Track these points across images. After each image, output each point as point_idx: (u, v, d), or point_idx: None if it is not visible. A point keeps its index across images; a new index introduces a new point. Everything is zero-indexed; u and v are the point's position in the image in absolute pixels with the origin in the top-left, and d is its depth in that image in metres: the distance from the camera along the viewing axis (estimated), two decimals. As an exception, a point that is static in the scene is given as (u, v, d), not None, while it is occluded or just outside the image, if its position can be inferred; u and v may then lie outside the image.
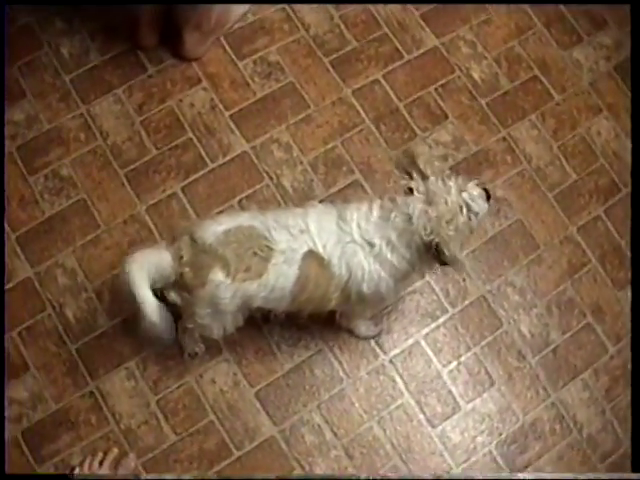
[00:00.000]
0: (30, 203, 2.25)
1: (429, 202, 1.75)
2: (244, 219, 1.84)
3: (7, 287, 2.18)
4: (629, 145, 2.47)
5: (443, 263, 1.78)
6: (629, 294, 2.33)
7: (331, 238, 1.83)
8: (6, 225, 2.23)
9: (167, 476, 2.11)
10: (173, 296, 1.84)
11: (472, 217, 1.80)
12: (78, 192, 2.26)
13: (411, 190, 1.78)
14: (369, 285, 1.85)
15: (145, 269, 1.74)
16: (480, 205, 1.81)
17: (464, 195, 1.78)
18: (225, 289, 1.79)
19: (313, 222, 1.85)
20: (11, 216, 2.23)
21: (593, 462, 2.19)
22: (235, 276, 1.78)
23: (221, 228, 1.80)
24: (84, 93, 2.36)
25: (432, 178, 1.78)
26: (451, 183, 1.78)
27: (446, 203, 1.76)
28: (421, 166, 1.80)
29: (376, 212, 1.82)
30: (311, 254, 1.83)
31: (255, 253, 1.79)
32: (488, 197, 1.84)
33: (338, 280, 1.85)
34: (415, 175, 1.80)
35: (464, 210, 1.77)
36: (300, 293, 1.85)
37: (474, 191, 1.80)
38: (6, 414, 2.06)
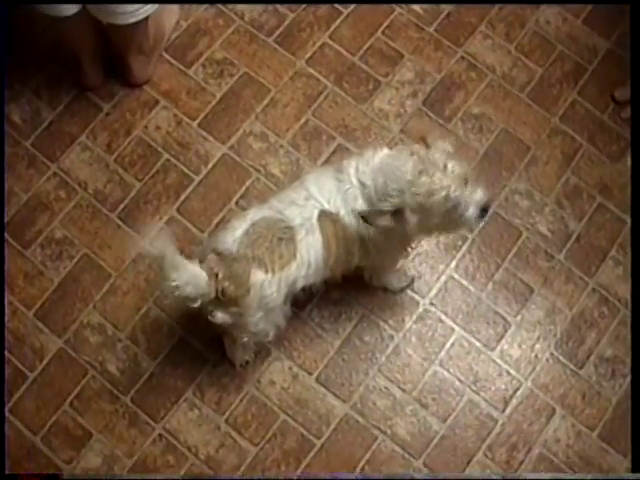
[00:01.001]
0: (35, 276, 1.93)
1: (423, 171, 1.46)
2: (253, 214, 1.57)
3: (42, 365, 1.86)
4: (579, 23, 2.18)
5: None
6: (628, 162, 2.06)
7: (332, 192, 1.58)
8: (20, 305, 1.89)
9: (159, 476, 1.83)
10: (220, 316, 1.56)
11: (451, 197, 1.48)
12: (78, 249, 1.95)
13: (413, 153, 1.49)
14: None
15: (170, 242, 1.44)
16: (470, 209, 1.52)
17: (450, 167, 1.48)
18: (269, 285, 1.54)
19: (312, 185, 1.60)
20: (21, 295, 1.91)
21: (647, 332, 1.97)
22: (274, 268, 1.53)
23: (239, 232, 1.54)
24: (49, 152, 2.03)
25: (435, 151, 1.49)
26: (450, 166, 1.48)
27: (431, 177, 1.46)
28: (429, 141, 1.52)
29: (379, 158, 1.55)
30: (323, 214, 1.58)
31: (280, 238, 1.54)
32: (484, 210, 1.54)
33: (351, 229, 1.58)
34: (422, 144, 1.51)
35: (446, 193, 1.47)
36: (329, 256, 1.60)
37: (474, 194, 1.52)
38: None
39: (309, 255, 1.59)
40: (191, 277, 1.48)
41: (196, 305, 1.54)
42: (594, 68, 2.16)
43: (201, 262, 1.54)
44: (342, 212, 1.58)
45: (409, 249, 1.84)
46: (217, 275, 1.52)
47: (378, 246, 1.64)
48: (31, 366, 1.88)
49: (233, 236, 1.54)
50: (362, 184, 1.56)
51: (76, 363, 1.88)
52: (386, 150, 1.58)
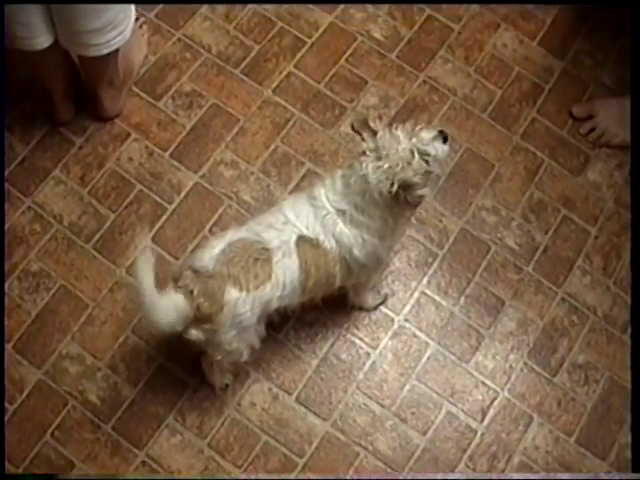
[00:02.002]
0: (13, 309, 2.00)
1: (379, 157, 1.59)
2: (231, 235, 1.67)
3: (23, 396, 1.92)
4: (535, 45, 2.35)
5: (414, 205, 1.64)
6: (589, 176, 2.21)
7: (310, 217, 1.69)
8: (-2, 338, 2.01)
9: (159, 476, 1.89)
10: (194, 333, 1.65)
11: (430, 160, 1.63)
12: (55, 281, 2.03)
13: (364, 153, 1.62)
14: (359, 249, 1.69)
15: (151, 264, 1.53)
16: (436, 147, 1.65)
17: (414, 140, 1.61)
18: (243, 303, 1.62)
19: (289, 210, 1.71)
20: None
21: (617, 336, 2.06)
22: (248, 287, 1.61)
23: (216, 250, 1.63)
24: (23, 187, 2.12)
25: (380, 133, 1.62)
26: (399, 132, 1.62)
27: (397, 152, 1.59)
28: (371, 124, 1.65)
29: (339, 181, 1.68)
30: (302, 239, 1.68)
31: (256, 259, 1.63)
32: (445, 139, 1.67)
33: (332, 254, 1.70)
34: (366, 135, 1.64)
35: (416, 154, 1.60)
36: (307, 279, 1.70)
37: (426, 134, 1.64)
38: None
39: (285, 277, 1.68)
40: (172, 308, 1.58)
41: (181, 329, 1.63)
42: (551, 87, 2.31)
43: (176, 280, 1.64)
44: (322, 237, 1.69)
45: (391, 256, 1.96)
46: (192, 292, 1.61)
47: (361, 262, 1.74)
48: (11, 398, 1.94)
49: (210, 254, 1.64)
50: (339, 211, 1.68)
51: (56, 394, 1.95)
52: (339, 171, 1.70)
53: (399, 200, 1.62)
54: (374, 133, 1.65)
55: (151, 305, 1.56)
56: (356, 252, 1.71)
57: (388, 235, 1.73)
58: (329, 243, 1.69)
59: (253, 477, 1.95)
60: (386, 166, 1.59)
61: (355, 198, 1.65)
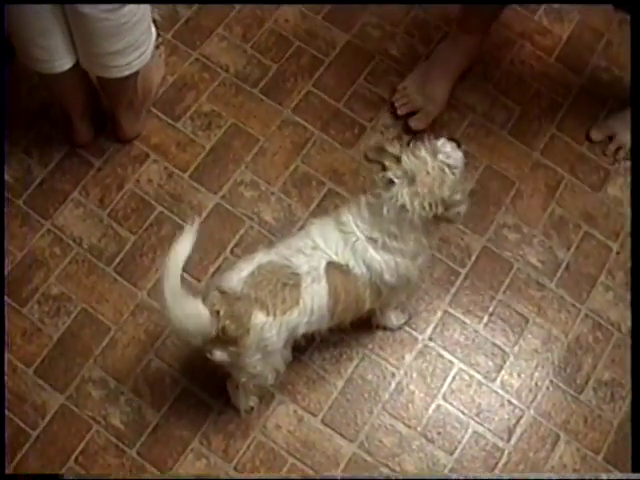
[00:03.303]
0: (34, 333, 2.07)
1: (412, 182, 1.66)
2: (260, 257, 1.74)
3: (45, 422, 1.99)
4: (552, 61, 2.45)
5: (455, 222, 1.75)
6: (609, 192, 2.29)
7: (339, 244, 1.75)
8: (19, 363, 2.03)
9: (166, 476, 1.96)
10: (219, 355, 1.71)
11: (455, 172, 1.71)
12: (76, 305, 2.10)
13: (391, 181, 1.68)
14: (391, 273, 1.76)
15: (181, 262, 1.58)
16: (456, 157, 1.72)
17: (440, 157, 1.69)
18: (270, 328, 1.68)
19: (317, 236, 1.77)
20: (20, 353, 2.05)
21: (642, 353, 2.17)
22: (275, 312, 1.68)
23: (244, 273, 1.69)
24: (42, 209, 2.19)
25: (404, 157, 1.68)
26: (422, 152, 1.69)
27: (428, 173, 1.66)
28: (390, 150, 1.71)
29: (365, 209, 1.73)
30: (331, 265, 1.74)
31: (285, 284, 1.69)
32: (458, 145, 1.75)
33: (363, 280, 1.77)
34: (388, 163, 1.70)
35: (446, 170, 1.69)
36: (336, 305, 1.76)
37: (446, 148, 1.71)
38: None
39: (313, 303, 1.74)
40: (193, 313, 1.63)
41: (197, 342, 1.70)
42: (570, 103, 2.40)
43: (204, 299, 1.69)
44: (351, 263, 1.76)
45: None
46: (218, 312, 1.67)
47: (392, 285, 1.80)
48: (33, 424, 2.00)
49: (238, 276, 1.70)
50: (370, 239, 1.74)
51: (79, 419, 2.01)
52: (363, 198, 1.74)
53: (440, 220, 1.70)
54: (397, 158, 1.70)
55: (172, 300, 1.58)
56: (387, 277, 1.77)
57: (421, 254, 1.80)
58: (359, 269, 1.76)
59: (253, 477, 2.01)
60: (425, 191, 1.66)
61: (389, 227, 1.71)
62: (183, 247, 1.58)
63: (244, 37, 2.44)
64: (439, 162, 1.69)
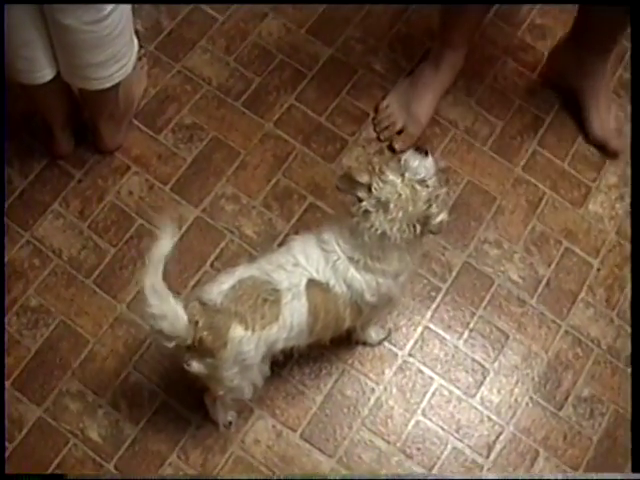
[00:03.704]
0: (12, 345, 2.08)
1: (386, 208, 1.68)
2: (241, 272, 1.76)
3: (22, 434, 2.00)
4: (535, 77, 2.49)
5: (438, 233, 1.75)
6: (590, 208, 2.33)
7: (320, 262, 1.77)
8: (-4, 376, 2.09)
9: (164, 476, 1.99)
10: (196, 366, 1.72)
11: (427, 184, 1.71)
12: (55, 317, 2.11)
13: (367, 211, 1.69)
14: (372, 293, 1.79)
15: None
16: (425, 167, 1.72)
17: (407, 175, 1.70)
18: (248, 342, 1.70)
19: (299, 253, 1.79)
20: (-2, 366, 2.09)
21: (621, 368, 2.17)
22: (254, 327, 1.69)
23: (226, 286, 1.71)
24: (21, 221, 2.21)
25: (374, 185, 1.69)
26: (390, 176, 1.69)
27: (400, 196, 1.68)
28: (360, 180, 1.72)
29: (347, 232, 1.75)
30: (312, 283, 1.76)
31: (265, 299, 1.71)
32: (426, 153, 1.74)
33: (343, 298, 1.79)
34: (360, 194, 1.71)
35: (417, 186, 1.69)
36: (315, 322, 1.79)
37: (413, 163, 1.72)
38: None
39: (292, 319, 1.76)
40: (170, 312, 1.63)
41: (170, 346, 1.69)
42: (551, 119, 2.44)
43: (184, 308, 1.69)
44: (332, 282, 1.78)
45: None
46: (197, 323, 1.69)
47: (373, 304, 1.82)
48: (10, 437, 2.01)
49: (219, 289, 1.72)
50: (351, 259, 1.77)
51: (56, 432, 2.02)
52: (345, 222, 1.75)
53: (422, 234, 1.72)
54: (367, 187, 1.71)
55: (152, 295, 1.59)
56: (368, 296, 1.80)
57: (404, 272, 1.82)
58: (340, 288, 1.78)
59: (246, 477, 2.02)
60: (400, 215, 1.68)
61: (371, 250, 1.73)
62: (165, 242, 1.59)
63: (227, 50, 2.46)
64: (407, 181, 1.70)
